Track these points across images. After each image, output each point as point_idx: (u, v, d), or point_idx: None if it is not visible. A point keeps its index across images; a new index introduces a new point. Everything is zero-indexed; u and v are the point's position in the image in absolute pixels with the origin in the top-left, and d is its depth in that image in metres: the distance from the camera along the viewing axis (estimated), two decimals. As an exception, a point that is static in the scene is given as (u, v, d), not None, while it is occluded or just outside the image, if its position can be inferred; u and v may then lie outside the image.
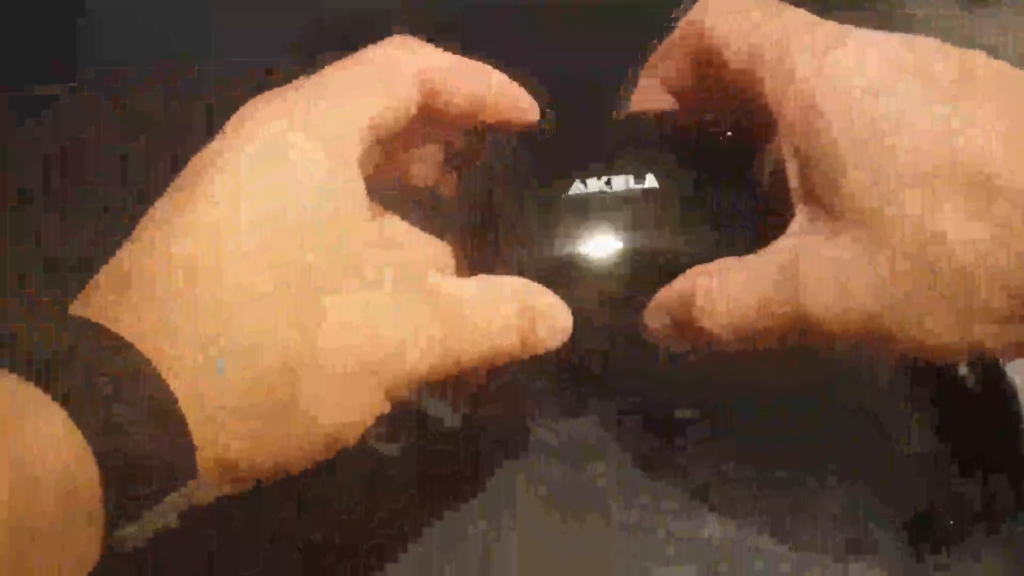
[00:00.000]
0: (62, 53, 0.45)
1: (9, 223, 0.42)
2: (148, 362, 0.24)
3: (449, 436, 0.36)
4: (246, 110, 0.28)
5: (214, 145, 0.27)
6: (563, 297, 0.31)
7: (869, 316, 0.27)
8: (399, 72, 0.30)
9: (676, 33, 0.32)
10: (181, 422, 0.24)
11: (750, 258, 0.29)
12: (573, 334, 0.31)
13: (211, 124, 0.28)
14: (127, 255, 0.26)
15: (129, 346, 0.24)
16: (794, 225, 0.29)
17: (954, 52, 0.28)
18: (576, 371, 0.37)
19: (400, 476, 0.36)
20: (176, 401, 0.24)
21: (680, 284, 0.31)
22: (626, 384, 0.37)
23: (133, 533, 0.23)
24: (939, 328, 0.26)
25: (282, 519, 0.33)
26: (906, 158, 0.26)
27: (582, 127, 0.34)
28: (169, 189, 0.27)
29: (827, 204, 0.28)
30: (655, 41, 0.34)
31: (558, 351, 0.30)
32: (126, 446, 0.23)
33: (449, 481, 0.36)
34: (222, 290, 0.25)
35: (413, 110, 0.30)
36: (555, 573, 0.34)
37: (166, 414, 0.24)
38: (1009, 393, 0.36)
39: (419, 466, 0.36)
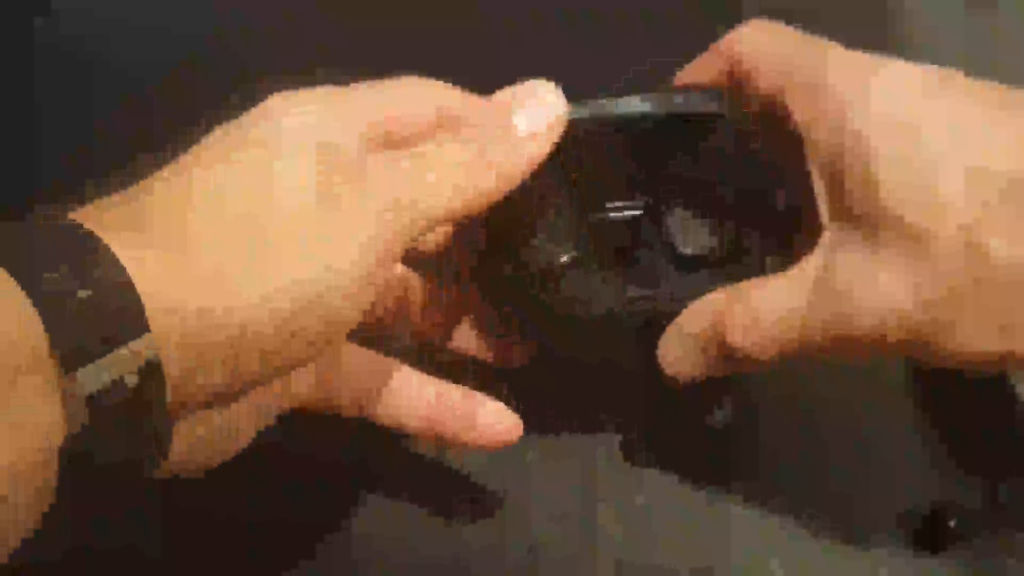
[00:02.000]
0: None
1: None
2: (104, 245, 0.24)
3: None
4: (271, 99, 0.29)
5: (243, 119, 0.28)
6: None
7: (912, 326, 0.27)
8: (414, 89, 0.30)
9: (710, 52, 0.33)
10: (131, 288, 0.23)
11: (781, 276, 0.30)
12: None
13: (212, 124, 0.28)
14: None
15: (93, 237, 0.24)
16: (824, 241, 0.29)
17: (990, 85, 0.28)
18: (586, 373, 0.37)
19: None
20: (126, 271, 0.23)
21: (706, 306, 0.31)
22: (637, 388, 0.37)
23: (87, 381, 0.22)
24: (981, 338, 0.27)
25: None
26: (941, 175, 0.27)
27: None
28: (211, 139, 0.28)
29: (862, 221, 0.28)
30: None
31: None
32: (71, 302, 0.22)
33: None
34: (220, 260, 0.25)
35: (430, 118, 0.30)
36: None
37: (116, 280, 0.23)
38: (1011, 393, 0.36)
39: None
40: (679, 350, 0.32)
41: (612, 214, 0.34)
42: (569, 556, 0.34)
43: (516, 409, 0.32)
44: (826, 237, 0.29)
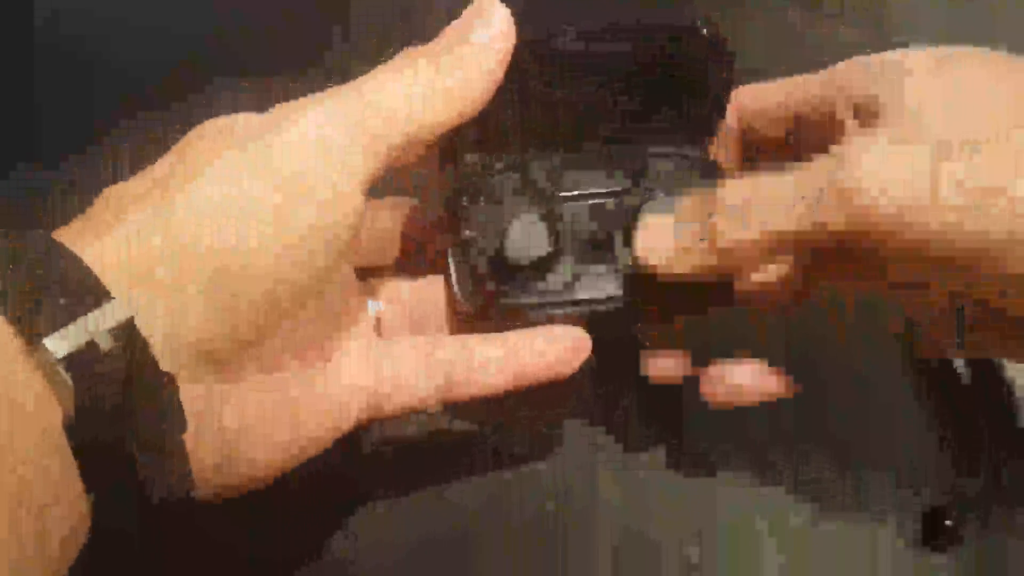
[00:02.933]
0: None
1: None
2: (51, 239, 0.24)
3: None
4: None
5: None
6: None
7: (944, 219, 0.25)
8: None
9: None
10: (83, 265, 0.24)
11: (778, 170, 0.28)
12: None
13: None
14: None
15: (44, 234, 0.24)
16: (841, 139, 0.28)
17: None
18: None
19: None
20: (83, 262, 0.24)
21: (701, 192, 0.30)
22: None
23: (56, 348, 0.23)
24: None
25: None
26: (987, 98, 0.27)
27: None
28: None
29: (895, 121, 0.27)
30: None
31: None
32: (27, 276, 0.23)
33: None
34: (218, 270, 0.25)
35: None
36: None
37: (75, 267, 0.24)
38: (1007, 386, 0.37)
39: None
40: (667, 238, 0.30)
41: (588, 200, 0.33)
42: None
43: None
44: (843, 136, 0.28)
